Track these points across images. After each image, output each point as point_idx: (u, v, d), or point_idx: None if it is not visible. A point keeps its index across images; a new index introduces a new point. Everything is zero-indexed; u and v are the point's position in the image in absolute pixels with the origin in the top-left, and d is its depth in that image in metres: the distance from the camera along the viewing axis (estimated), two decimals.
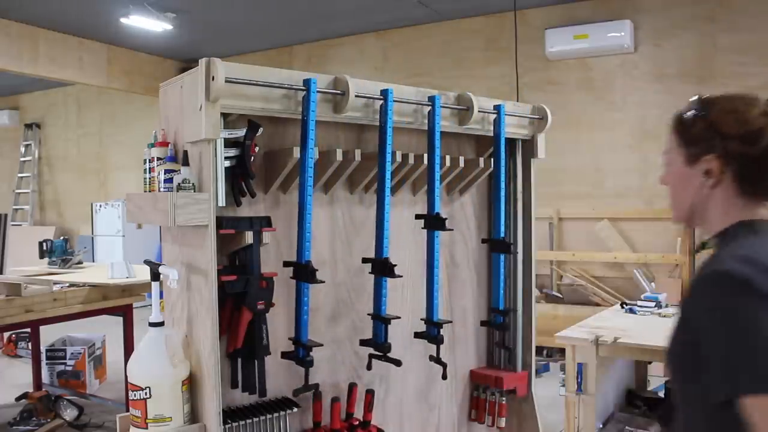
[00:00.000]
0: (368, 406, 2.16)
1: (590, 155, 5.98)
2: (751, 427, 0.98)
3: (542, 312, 4.84)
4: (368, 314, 2.15)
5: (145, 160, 1.98)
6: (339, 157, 2.03)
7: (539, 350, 5.01)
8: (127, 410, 1.84)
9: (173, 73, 8.01)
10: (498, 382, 2.53)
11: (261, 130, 1.88)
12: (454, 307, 2.55)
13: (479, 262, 2.64)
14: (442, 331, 2.20)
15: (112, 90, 8.40)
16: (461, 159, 2.42)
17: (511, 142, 2.62)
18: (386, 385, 2.34)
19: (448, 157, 2.34)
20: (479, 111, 2.32)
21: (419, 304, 2.31)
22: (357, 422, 2.13)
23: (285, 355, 1.98)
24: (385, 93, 2.06)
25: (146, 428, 1.75)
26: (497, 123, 2.42)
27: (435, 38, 6.89)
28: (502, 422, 2.56)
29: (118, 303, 3.71)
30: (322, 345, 1.98)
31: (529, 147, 2.63)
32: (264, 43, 7.76)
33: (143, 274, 3.78)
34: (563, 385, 3.97)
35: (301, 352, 1.94)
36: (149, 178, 1.95)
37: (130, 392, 1.78)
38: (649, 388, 3.90)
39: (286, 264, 1.98)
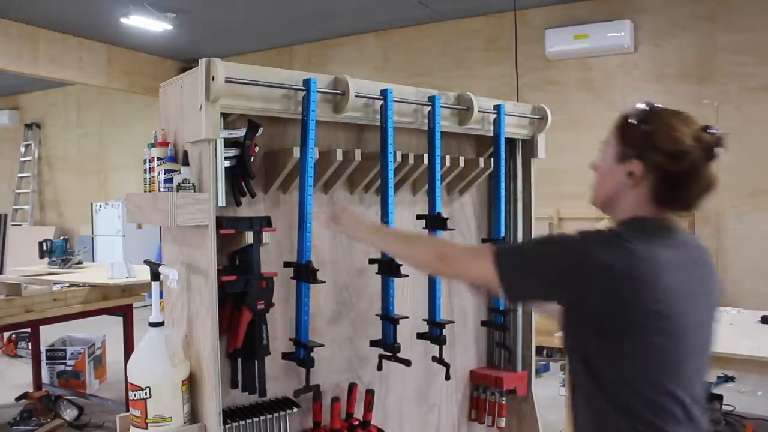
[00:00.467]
0: (368, 406, 2.16)
1: (590, 155, 5.93)
2: None
3: None
4: (376, 315, 2.15)
5: (145, 160, 1.98)
6: (339, 157, 2.03)
7: (539, 350, 5.01)
8: (127, 410, 1.84)
9: (173, 73, 8.01)
10: (498, 382, 2.53)
11: (261, 130, 1.88)
12: (454, 307, 2.55)
13: None
14: (444, 332, 2.20)
15: (112, 90, 8.40)
16: (461, 159, 2.42)
17: (511, 142, 2.62)
18: (386, 385, 2.34)
19: (448, 157, 2.34)
20: (479, 111, 2.32)
21: (419, 304, 2.31)
22: (357, 422, 2.13)
23: (285, 355, 1.98)
24: (385, 93, 2.06)
25: (146, 428, 1.75)
26: (497, 123, 2.42)
27: (435, 38, 6.89)
28: (502, 422, 2.56)
29: (118, 303, 3.71)
30: (323, 345, 1.98)
31: (529, 147, 2.63)
32: (264, 43, 7.77)
33: (143, 274, 3.78)
34: (563, 385, 3.97)
35: (301, 353, 1.94)
36: (149, 178, 1.95)
37: (130, 392, 1.78)
38: None
39: (287, 264, 1.98)
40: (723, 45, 5.48)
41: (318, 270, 1.93)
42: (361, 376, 2.23)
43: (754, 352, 2.59)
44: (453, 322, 2.27)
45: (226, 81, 1.69)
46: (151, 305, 1.86)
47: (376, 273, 2.11)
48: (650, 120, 1.31)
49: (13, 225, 8.58)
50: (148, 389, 1.74)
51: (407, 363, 2.08)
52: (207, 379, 1.76)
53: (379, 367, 2.14)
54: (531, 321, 2.62)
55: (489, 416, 2.57)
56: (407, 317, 2.14)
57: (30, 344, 4.75)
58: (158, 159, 1.89)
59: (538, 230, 2.56)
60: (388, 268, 2.08)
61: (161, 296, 1.95)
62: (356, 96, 1.98)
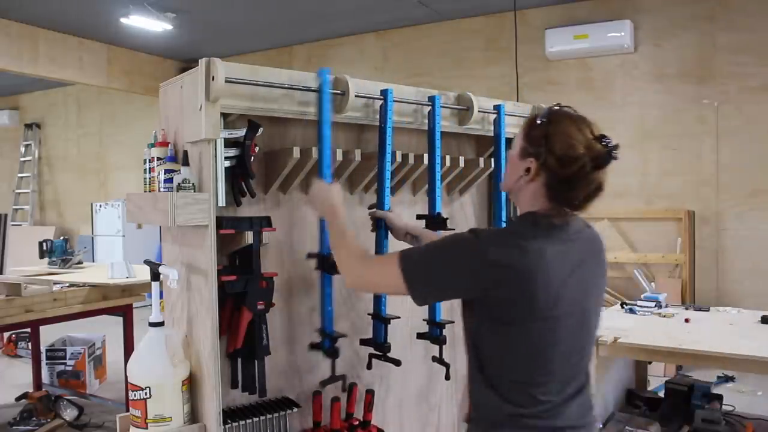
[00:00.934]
0: (368, 406, 2.16)
1: None
2: None
3: None
4: (368, 314, 2.15)
5: (145, 160, 1.97)
6: (339, 157, 2.03)
7: None
8: (127, 410, 1.84)
9: (173, 73, 8.01)
10: None
11: (261, 130, 1.88)
12: (454, 307, 2.54)
13: None
14: (444, 332, 2.20)
15: (112, 90, 8.40)
16: (461, 159, 2.42)
17: (511, 142, 2.61)
18: (386, 385, 2.34)
19: (448, 157, 2.34)
20: (479, 111, 2.32)
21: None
22: (357, 422, 2.13)
23: (313, 346, 2.03)
24: (385, 93, 2.06)
25: (146, 428, 1.75)
26: (497, 123, 2.42)
27: (435, 38, 6.89)
28: None
29: (118, 303, 3.71)
30: (346, 336, 2.04)
31: None
32: (264, 43, 7.77)
33: (143, 274, 3.78)
34: None
35: (326, 343, 2.00)
36: (149, 178, 1.95)
37: (130, 392, 1.78)
38: (649, 388, 3.90)
39: (310, 255, 2.01)
40: (723, 45, 5.48)
41: None
42: (361, 376, 2.23)
43: (754, 352, 2.59)
44: (453, 322, 2.27)
45: (226, 81, 1.69)
46: (151, 305, 1.86)
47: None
48: (550, 123, 1.41)
49: (13, 225, 8.58)
50: (148, 389, 1.74)
51: (397, 363, 2.08)
52: (207, 379, 1.76)
53: (368, 366, 2.14)
54: None
55: None
56: (399, 317, 2.13)
57: (30, 344, 4.75)
58: (158, 159, 1.89)
59: None
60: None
61: (161, 296, 1.95)
62: (356, 96, 1.98)
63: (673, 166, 5.70)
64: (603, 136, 1.39)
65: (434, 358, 2.24)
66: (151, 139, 1.95)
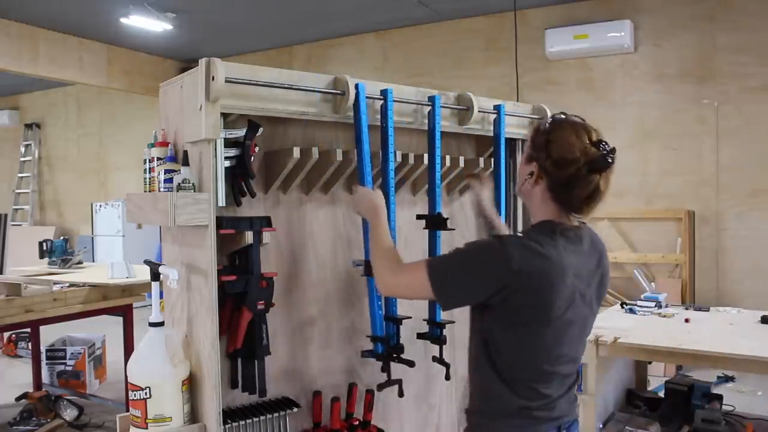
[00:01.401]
0: (368, 406, 2.16)
1: None
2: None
3: None
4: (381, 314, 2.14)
5: (145, 160, 1.97)
6: (339, 157, 2.02)
7: None
8: (127, 410, 1.84)
9: (173, 73, 8.02)
10: None
11: (261, 130, 1.88)
12: None
13: None
14: (444, 332, 2.20)
15: (112, 90, 8.41)
16: (461, 159, 2.42)
17: (511, 142, 2.62)
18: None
19: (448, 157, 2.34)
20: (479, 111, 2.32)
21: (418, 303, 2.31)
22: (357, 422, 2.13)
23: (365, 353, 2.07)
24: (385, 93, 2.06)
25: (146, 428, 1.75)
26: (497, 123, 2.41)
27: (435, 38, 6.89)
28: None
29: (118, 303, 3.71)
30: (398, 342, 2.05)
31: None
32: (264, 43, 7.77)
33: (143, 274, 3.79)
34: None
35: (379, 348, 2.04)
36: (149, 178, 1.95)
37: (130, 392, 1.78)
38: (649, 388, 3.90)
39: (356, 263, 2.06)
40: (723, 45, 5.48)
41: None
42: (361, 376, 2.23)
43: (754, 352, 2.59)
44: (453, 322, 2.27)
45: (226, 81, 1.69)
46: (151, 305, 1.86)
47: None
48: (552, 129, 1.50)
49: (13, 225, 8.58)
50: (148, 389, 1.74)
51: (411, 364, 2.08)
52: (207, 379, 1.76)
53: (383, 369, 2.13)
54: None
55: None
56: (410, 317, 2.14)
57: (30, 344, 4.76)
58: (158, 159, 1.89)
59: None
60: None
61: (161, 296, 1.95)
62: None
63: (673, 166, 5.70)
64: (600, 141, 1.46)
65: (434, 358, 2.24)
66: (151, 139, 1.95)
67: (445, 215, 2.22)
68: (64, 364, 4.84)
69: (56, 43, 7.19)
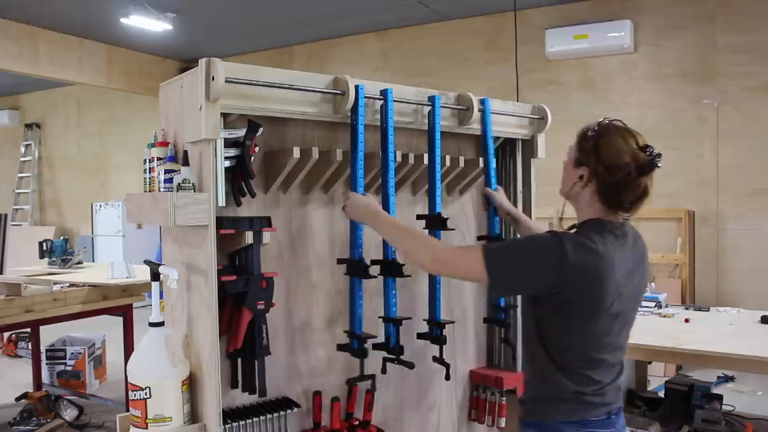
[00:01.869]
0: (368, 406, 2.16)
1: None
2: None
3: None
4: (379, 317, 2.14)
5: (145, 160, 1.97)
6: (339, 157, 2.02)
7: None
8: (127, 410, 1.83)
9: (173, 73, 8.02)
10: (498, 382, 2.53)
11: (261, 130, 1.88)
12: (454, 307, 2.55)
13: None
14: (444, 332, 2.20)
15: (112, 90, 8.41)
16: (461, 159, 2.42)
17: (511, 142, 2.61)
18: (386, 385, 2.33)
19: (448, 157, 2.34)
20: (479, 111, 2.32)
21: (418, 303, 2.31)
22: (357, 422, 2.13)
23: (340, 347, 2.08)
24: (385, 93, 2.06)
25: (146, 428, 1.75)
26: (483, 119, 2.39)
27: (435, 38, 6.90)
28: (502, 422, 2.56)
29: (118, 303, 3.71)
30: (375, 336, 2.06)
31: (529, 147, 2.63)
32: (264, 43, 7.77)
33: (143, 274, 3.79)
34: None
35: (356, 344, 2.05)
36: (149, 178, 1.95)
37: (130, 392, 1.78)
38: (649, 388, 3.90)
39: (340, 261, 2.07)
40: (723, 45, 5.48)
41: (370, 266, 2.02)
42: None
43: (754, 352, 2.59)
44: (453, 322, 2.27)
45: (226, 81, 1.69)
46: (151, 305, 1.86)
47: (379, 275, 2.11)
48: (600, 135, 1.60)
49: (13, 225, 8.56)
50: (148, 389, 1.74)
51: (411, 366, 2.08)
52: (207, 379, 1.76)
53: (383, 371, 2.13)
54: None
55: (489, 416, 2.57)
56: (410, 318, 2.13)
57: (30, 344, 4.76)
58: (158, 159, 1.89)
59: (539, 230, 2.56)
60: (389, 269, 2.07)
61: (161, 296, 1.95)
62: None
63: (673, 166, 5.70)
64: (647, 146, 1.57)
65: (434, 358, 2.24)
66: (151, 139, 1.95)
67: (445, 215, 2.22)
68: (64, 364, 4.84)
69: (56, 43, 7.19)
